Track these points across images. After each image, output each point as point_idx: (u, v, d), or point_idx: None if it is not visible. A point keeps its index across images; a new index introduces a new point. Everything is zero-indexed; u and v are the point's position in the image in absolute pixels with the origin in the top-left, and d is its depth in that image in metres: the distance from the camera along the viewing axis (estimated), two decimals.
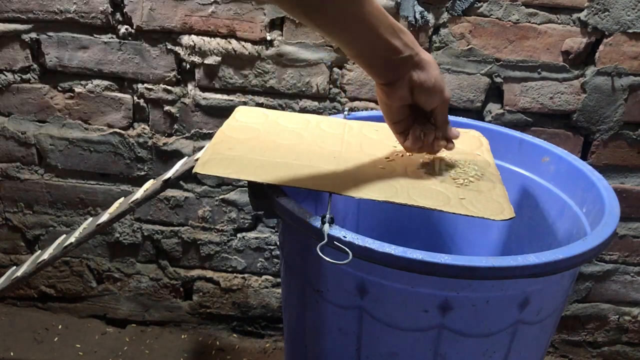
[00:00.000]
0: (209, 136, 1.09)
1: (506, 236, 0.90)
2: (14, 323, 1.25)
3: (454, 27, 0.97)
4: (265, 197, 0.64)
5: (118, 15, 1.02)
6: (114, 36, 1.03)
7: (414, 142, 0.68)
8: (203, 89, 1.06)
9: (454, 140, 0.70)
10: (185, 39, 1.02)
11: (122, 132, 1.10)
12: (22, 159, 1.14)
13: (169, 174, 0.79)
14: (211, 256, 1.20)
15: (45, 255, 0.86)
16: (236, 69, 1.03)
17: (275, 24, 1.00)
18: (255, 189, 0.65)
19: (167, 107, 1.07)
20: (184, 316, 1.27)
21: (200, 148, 0.99)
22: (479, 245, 0.93)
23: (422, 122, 0.68)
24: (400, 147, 0.76)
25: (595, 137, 1.04)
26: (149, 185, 0.82)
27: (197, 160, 0.68)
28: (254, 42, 1.01)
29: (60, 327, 1.25)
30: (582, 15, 0.95)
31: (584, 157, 1.05)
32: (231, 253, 1.19)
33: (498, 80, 1.01)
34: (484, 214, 0.61)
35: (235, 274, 1.22)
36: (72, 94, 1.08)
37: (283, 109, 1.06)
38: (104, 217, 0.82)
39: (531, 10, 0.95)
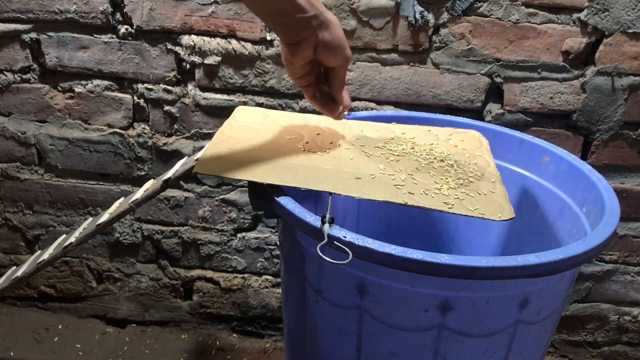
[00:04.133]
0: (209, 136, 1.09)
1: (506, 236, 0.90)
2: (14, 323, 1.25)
3: (454, 27, 0.97)
4: (265, 197, 0.64)
5: (118, 15, 1.02)
6: (114, 36, 1.03)
7: (310, 99, 0.71)
8: (203, 89, 1.06)
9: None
10: (185, 39, 1.02)
11: (122, 132, 1.10)
12: (22, 159, 1.14)
13: (169, 174, 0.78)
14: (211, 256, 1.20)
15: (45, 255, 0.86)
16: (236, 69, 1.03)
17: None
18: (255, 189, 0.65)
19: (167, 107, 1.07)
20: (184, 316, 1.27)
21: (200, 148, 0.99)
22: (479, 245, 0.93)
23: (321, 79, 0.70)
24: (400, 148, 0.76)
25: (595, 137, 1.04)
26: (149, 185, 0.82)
27: (197, 160, 0.68)
28: (254, 42, 1.01)
29: (60, 327, 1.25)
30: (582, 15, 0.95)
31: (584, 157, 1.05)
32: (231, 253, 1.19)
33: (498, 80, 1.01)
34: (484, 214, 0.61)
35: (235, 274, 1.22)
36: (72, 94, 1.08)
37: (283, 109, 1.06)
38: (104, 217, 0.82)
39: (531, 10, 0.95)
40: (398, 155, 0.73)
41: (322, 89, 0.71)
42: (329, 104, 0.71)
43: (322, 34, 0.63)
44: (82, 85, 1.07)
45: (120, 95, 1.08)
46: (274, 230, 1.17)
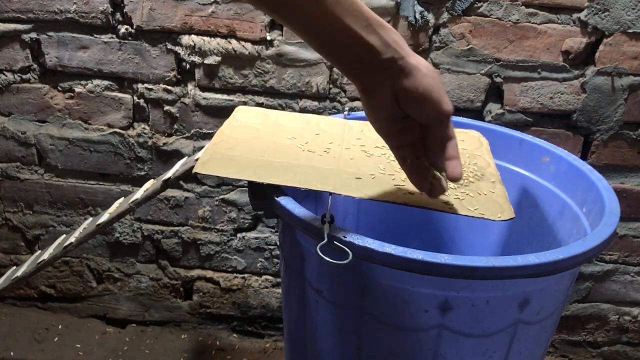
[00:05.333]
0: (209, 136, 1.09)
1: (506, 236, 0.90)
2: (14, 323, 1.25)
3: (454, 27, 0.97)
4: (265, 197, 0.64)
5: (118, 15, 1.02)
6: (114, 36, 1.03)
7: (401, 165, 0.57)
8: (203, 89, 1.06)
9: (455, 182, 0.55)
10: (185, 39, 1.02)
11: (122, 132, 1.10)
12: (22, 159, 1.14)
13: (169, 174, 0.79)
14: (211, 256, 1.20)
15: (45, 255, 0.86)
16: (236, 69, 1.03)
17: (275, 24, 1.00)
18: (255, 189, 0.65)
19: (167, 107, 1.07)
20: (184, 316, 1.27)
21: (200, 148, 0.99)
22: (479, 245, 0.93)
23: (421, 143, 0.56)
24: None
25: (595, 137, 1.04)
26: (149, 185, 0.82)
27: (197, 160, 0.68)
28: (254, 42, 1.01)
29: (60, 327, 1.25)
30: (582, 15, 0.95)
31: (584, 157, 1.05)
32: (231, 253, 1.19)
33: (498, 80, 1.01)
34: (483, 215, 0.61)
35: (235, 274, 1.22)
36: (72, 94, 1.08)
37: (283, 109, 1.06)
38: (104, 217, 0.82)
39: (531, 10, 0.95)
40: None
41: (415, 151, 0.57)
42: (422, 172, 0.56)
43: (401, 82, 0.50)
44: (82, 85, 1.07)
45: (120, 95, 1.08)
46: (274, 230, 1.17)
